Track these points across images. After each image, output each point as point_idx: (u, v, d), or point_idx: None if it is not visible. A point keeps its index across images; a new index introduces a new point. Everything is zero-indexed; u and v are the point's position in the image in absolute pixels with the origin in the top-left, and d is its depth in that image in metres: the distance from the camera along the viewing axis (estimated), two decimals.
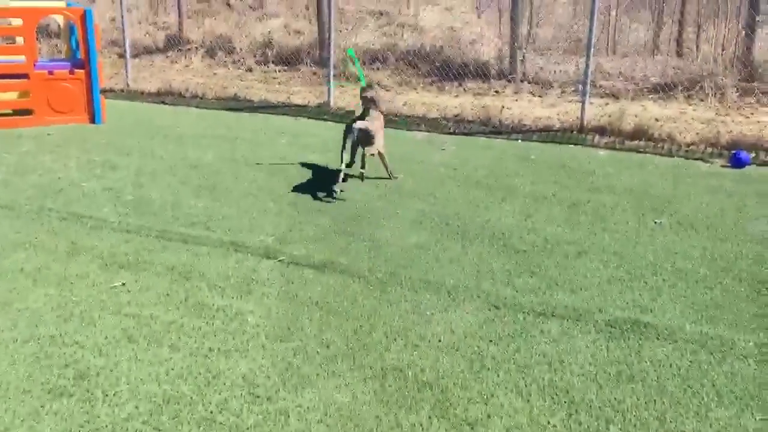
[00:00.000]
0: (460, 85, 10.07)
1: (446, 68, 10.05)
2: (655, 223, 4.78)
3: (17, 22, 7.59)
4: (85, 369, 2.89)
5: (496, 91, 9.81)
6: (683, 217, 4.88)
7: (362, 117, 5.75)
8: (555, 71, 10.12)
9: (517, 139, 7.33)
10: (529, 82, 9.99)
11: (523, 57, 10.18)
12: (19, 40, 7.70)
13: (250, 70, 11.43)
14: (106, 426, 2.53)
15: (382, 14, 12.66)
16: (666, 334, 3.25)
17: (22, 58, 7.41)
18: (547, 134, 7.52)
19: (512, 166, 6.24)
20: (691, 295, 3.68)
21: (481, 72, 9.89)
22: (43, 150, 6.48)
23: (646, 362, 3.02)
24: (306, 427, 2.55)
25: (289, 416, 2.62)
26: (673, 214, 4.96)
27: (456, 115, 8.34)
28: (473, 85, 10.02)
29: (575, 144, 7.14)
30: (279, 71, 11.24)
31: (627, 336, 3.24)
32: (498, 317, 3.44)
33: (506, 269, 4.02)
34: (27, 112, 7.46)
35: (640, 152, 6.81)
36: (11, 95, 7.54)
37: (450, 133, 7.64)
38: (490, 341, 3.20)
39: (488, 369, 2.97)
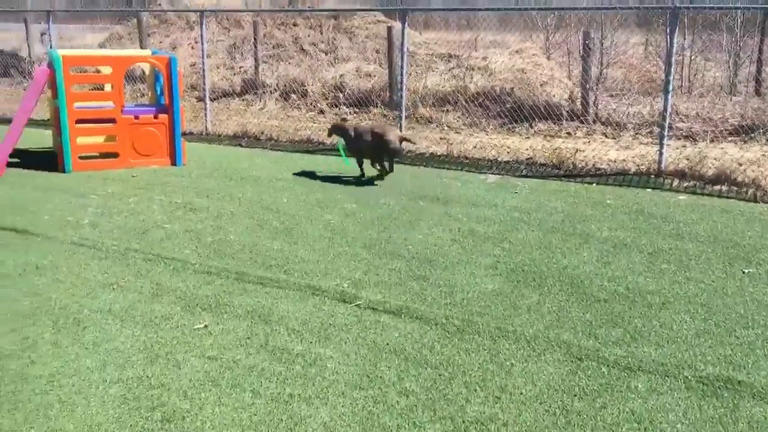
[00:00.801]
0: (531, 126, 10.02)
1: (516, 110, 10.03)
2: (744, 272, 4.59)
3: (106, 69, 8.01)
4: (171, 412, 2.95)
5: (568, 133, 9.71)
6: None
7: (360, 136, 7.28)
8: (628, 112, 9.96)
9: (591, 183, 7.21)
10: (601, 124, 9.87)
11: (595, 98, 10.07)
12: (107, 85, 8.11)
13: (322, 112, 11.69)
14: None
15: (451, 57, 12.77)
16: (763, 394, 3.09)
17: (110, 103, 7.80)
18: (623, 178, 7.37)
19: (588, 211, 6.13)
20: None
21: (551, 113, 9.82)
22: (127, 192, 6.75)
23: (743, 424, 2.87)
24: None
25: None
26: (763, 263, 4.76)
27: (528, 158, 8.29)
28: (544, 127, 9.96)
29: (653, 188, 6.97)
30: (350, 114, 11.45)
31: (720, 394, 3.10)
32: (581, 370, 3.35)
33: (587, 319, 3.92)
34: (113, 155, 7.81)
35: (723, 197, 6.59)
36: (99, 139, 7.92)
37: (522, 176, 7.58)
38: (575, 396, 3.11)
39: (574, 426, 2.88)
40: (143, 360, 3.42)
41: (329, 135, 8.12)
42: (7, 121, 9.84)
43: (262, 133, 9.91)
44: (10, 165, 7.61)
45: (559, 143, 8.98)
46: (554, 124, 9.93)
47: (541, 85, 11.18)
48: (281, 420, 2.92)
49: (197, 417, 2.92)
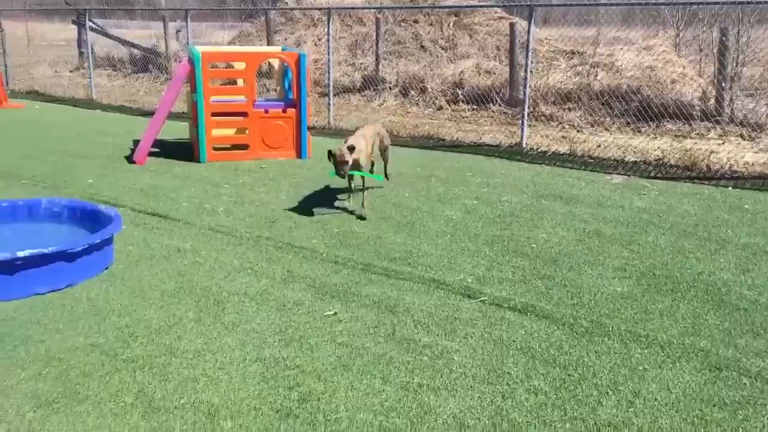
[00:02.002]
0: (659, 126, 9.62)
1: (644, 109, 9.65)
2: None
3: (240, 65, 8.40)
4: (307, 393, 3.09)
5: (700, 134, 9.26)
6: None
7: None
8: (767, 113, 9.36)
9: (727, 186, 6.84)
10: (737, 125, 9.33)
11: (731, 97, 9.52)
12: (239, 80, 8.51)
13: (440, 108, 11.73)
14: None
15: (574, 54, 12.46)
16: None
17: (242, 98, 8.18)
18: (762, 182, 6.95)
19: (724, 216, 5.82)
20: None
21: (682, 113, 9.38)
22: (258, 183, 7.06)
23: None
24: None
25: None
26: None
27: (657, 159, 7.97)
28: (673, 127, 9.54)
29: None
30: (469, 110, 11.42)
31: None
32: (720, 380, 3.21)
33: (725, 328, 3.74)
34: (244, 146, 8.18)
35: None
36: (231, 131, 8.33)
37: (650, 178, 7.31)
38: (714, 405, 2.99)
39: None
40: (279, 342, 3.59)
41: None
42: (148, 113, 10.54)
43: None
44: (151, 154, 8.15)
45: (689, 144, 8.58)
46: (685, 124, 9.49)
47: (672, 83, 10.70)
48: (411, 408, 2.98)
49: (332, 399, 3.04)
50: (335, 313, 3.95)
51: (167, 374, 3.23)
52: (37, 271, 4.03)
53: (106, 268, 4.55)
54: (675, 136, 9.25)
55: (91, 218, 4.95)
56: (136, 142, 8.54)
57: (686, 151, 8.00)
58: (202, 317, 3.87)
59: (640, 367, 3.34)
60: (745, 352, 3.46)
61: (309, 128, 8.56)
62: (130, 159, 8.08)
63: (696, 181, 7.12)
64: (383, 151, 6.62)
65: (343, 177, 5.76)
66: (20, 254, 3.92)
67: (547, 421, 2.89)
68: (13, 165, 7.71)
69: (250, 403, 3.00)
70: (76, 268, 4.22)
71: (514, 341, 3.62)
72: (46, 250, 4.01)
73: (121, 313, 3.88)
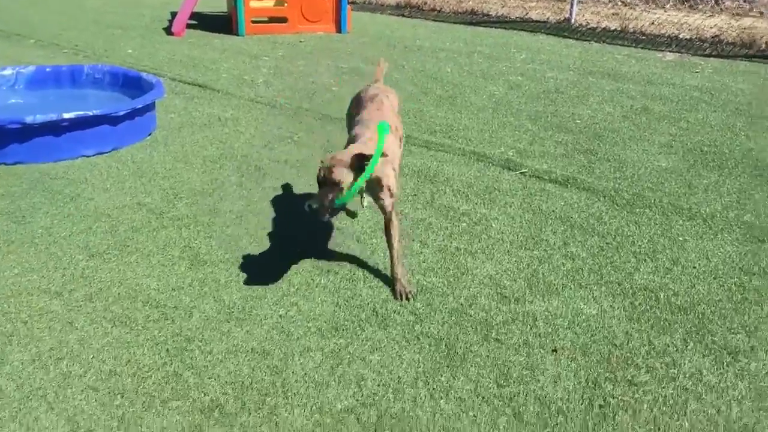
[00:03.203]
0: (717, 3, 9.10)
1: None
2: None
3: None
4: (347, 252, 3.16)
5: (761, 12, 8.73)
6: None
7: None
8: None
9: None
10: None
11: None
12: None
13: None
14: (368, 303, 2.75)
15: None
16: None
17: None
18: None
19: None
20: None
21: None
22: (296, 56, 6.95)
23: None
24: (553, 332, 2.58)
25: (536, 319, 2.67)
26: None
27: (713, 37, 7.58)
28: (731, 4, 9.01)
29: None
30: None
31: None
32: (762, 251, 3.17)
33: None
34: (282, 20, 8.01)
35: None
36: (270, 3, 8.13)
37: (705, 56, 6.98)
38: (753, 274, 2.98)
39: (750, 302, 2.77)
40: None
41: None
42: None
43: (425, 3, 9.72)
44: (189, 27, 8.04)
45: (749, 22, 8.11)
46: (745, 1, 8.95)
47: None
48: (448, 269, 3.03)
49: (370, 258, 3.10)
50: None
51: (211, 232, 3.32)
52: (83, 134, 4.10)
53: (150, 134, 4.61)
54: (734, 14, 8.75)
55: (133, 85, 4.97)
56: (173, 14, 8.42)
57: (745, 29, 7.58)
58: (244, 182, 3.92)
59: (681, 238, 3.31)
60: None
61: (349, 2, 8.31)
62: (168, 31, 7.99)
63: (754, 59, 6.78)
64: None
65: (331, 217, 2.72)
66: (66, 116, 3.98)
67: (582, 284, 2.92)
68: (54, 35, 7.71)
69: (291, 260, 3.08)
70: (120, 132, 4.28)
71: (553, 211, 3.61)
72: (90, 113, 4.06)
73: (165, 176, 3.96)
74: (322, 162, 2.65)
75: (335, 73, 6.27)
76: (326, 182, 2.60)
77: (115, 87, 5.09)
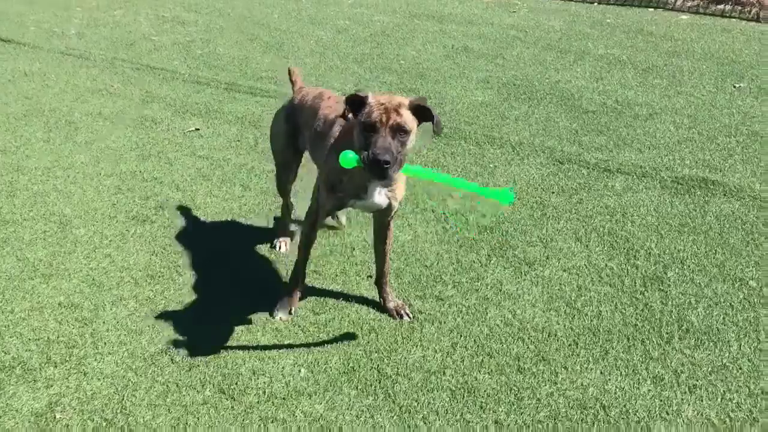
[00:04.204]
0: None
1: None
2: (735, 87, 4.58)
3: None
4: (164, 201, 3.07)
5: None
6: (766, 82, 4.66)
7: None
8: None
9: (592, 2, 6.98)
10: None
11: None
12: None
13: None
14: (186, 251, 2.71)
15: None
16: (734, 192, 3.20)
17: None
18: None
19: (586, 30, 5.98)
20: (764, 156, 3.58)
21: None
22: (113, 4, 6.54)
23: (710, 216, 3.01)
24: (369, 260, 2.67)
25: (354, 249, 2.75)
26: (755, 79, 4.73)
27: None
28: None
29: (655, 8, 6.75)
30: None
31: (693, 192, 3.21)
32: (562, 171, 3.44)
33: (573, 128, 3.97)
34: None
35: (725, 17, 6.41)
36: None
37: None
38: (553, 193, 3.23)
39: (549, 217, 3.02)
40: (136, 157, 3.50)
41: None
42: None
43: None
44: None
45: None
46: None
47: None
48: (270, 210, 3.04)
49: (189, 206, 3.04)
50: (197, 129, 3.87)
51: (14, 191, 3.10)
52: None
53: None
54: None
55: None
56: None
57: None
58: (52, 137, 3.69)
59: (491, 165, 3.52)
60: (588, 147, 3.71)
61: None
62: None
63: None
64: None
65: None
66: None
67: (399, 213, 3.03)
68: None
69: (105, 212, 2.96)
70: None
71: None
72: None
73: None
74: (366, 99, 1.94)
75: (155, 23, 5.97)
76: (385, 125, 1.89)
77: None
